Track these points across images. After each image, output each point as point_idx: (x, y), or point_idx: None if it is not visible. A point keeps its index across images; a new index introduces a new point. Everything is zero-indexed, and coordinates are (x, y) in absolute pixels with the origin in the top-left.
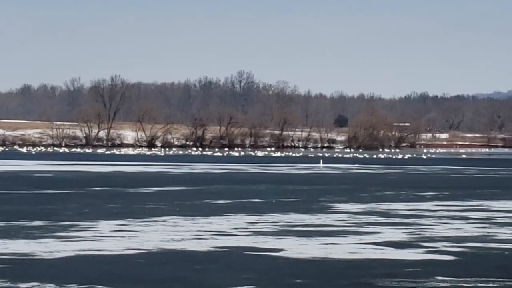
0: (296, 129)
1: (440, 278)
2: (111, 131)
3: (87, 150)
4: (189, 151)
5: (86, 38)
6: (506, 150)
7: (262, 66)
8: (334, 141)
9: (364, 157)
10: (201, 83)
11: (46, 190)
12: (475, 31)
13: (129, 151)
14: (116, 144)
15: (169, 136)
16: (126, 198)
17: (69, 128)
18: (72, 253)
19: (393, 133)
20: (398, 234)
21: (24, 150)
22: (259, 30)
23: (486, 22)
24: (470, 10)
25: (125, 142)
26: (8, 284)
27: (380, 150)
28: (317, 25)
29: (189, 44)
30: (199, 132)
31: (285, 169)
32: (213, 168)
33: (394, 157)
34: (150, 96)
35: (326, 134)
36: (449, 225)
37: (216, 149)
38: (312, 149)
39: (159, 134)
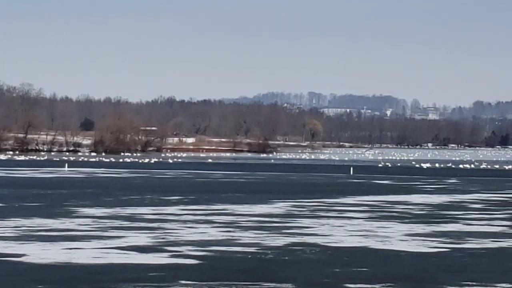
0: (41, 133)
1: (184, 282)
2: None
3: None
4: None
5: None
6: (249, 154)
7: (6, 68)
8: (80, 145)
9: (110, 161)
10: None
11: None
12: (221, 36)
13: None
14: None
15: None
16: None
17: None
18: None
19: (140, 137)
20: (143, 239)
21: None
22: (4, 31)
23: (232, 26)
24: (220, 13)
25: None
26: None
27: (127, 154)
28: (67, 28)
29: None
30: None
31: (28, 173)
32: None
33: (140, 161)
34: None
35: (71, 138)
36: (194, 229)
37: None
38: (57, 153)
39: None
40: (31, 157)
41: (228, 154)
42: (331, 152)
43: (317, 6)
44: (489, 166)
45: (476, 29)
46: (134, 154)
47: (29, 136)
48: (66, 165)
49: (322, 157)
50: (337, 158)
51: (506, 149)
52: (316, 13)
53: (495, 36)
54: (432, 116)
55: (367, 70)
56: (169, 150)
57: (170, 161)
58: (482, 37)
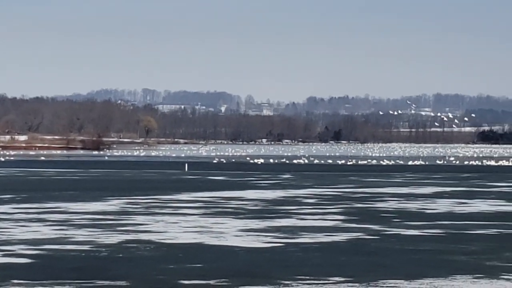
0: None
1: (16, 281)
2: None
3: None
4: None
5: None
6: (83, 152)
7: None
8: None
9: None
10: None
11: None
12: (52, 32)
13: None
14: None
15: None
16: None
17: None
18: None
19: None
20: None
21: None
22: None
23: (64, 23)
24: (52, 10)
25: None
26: None
27: None
28: None
29: None
30: None
31: None
32: None
33: None
34: None
35: None
36: (27, 228)
37: None
38: None
39: None
40: None
41: (61, 152)
42: (166, 148)
43: (154, 4)
44: (322, 161)
45: (307, 25)
46: None
47: None
48: None
49: (156, 153)
50: (172, 155)
51: (339, 144)
52: (151, 11)
53: (326, 32)
54: (266, 112)
55: (201, 67)
56: (1, 148)
57: (2, 159)
58: (314, 33)
